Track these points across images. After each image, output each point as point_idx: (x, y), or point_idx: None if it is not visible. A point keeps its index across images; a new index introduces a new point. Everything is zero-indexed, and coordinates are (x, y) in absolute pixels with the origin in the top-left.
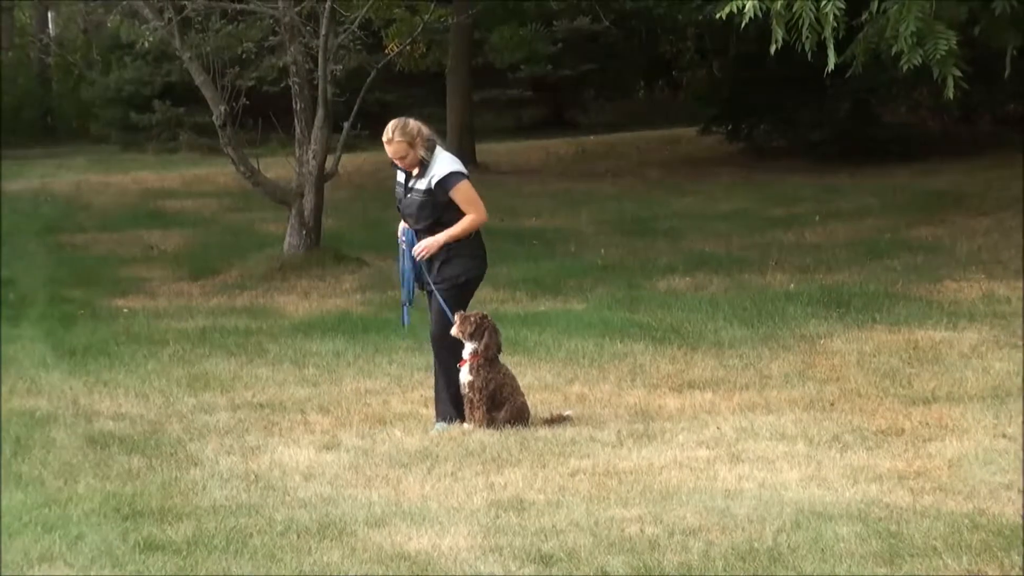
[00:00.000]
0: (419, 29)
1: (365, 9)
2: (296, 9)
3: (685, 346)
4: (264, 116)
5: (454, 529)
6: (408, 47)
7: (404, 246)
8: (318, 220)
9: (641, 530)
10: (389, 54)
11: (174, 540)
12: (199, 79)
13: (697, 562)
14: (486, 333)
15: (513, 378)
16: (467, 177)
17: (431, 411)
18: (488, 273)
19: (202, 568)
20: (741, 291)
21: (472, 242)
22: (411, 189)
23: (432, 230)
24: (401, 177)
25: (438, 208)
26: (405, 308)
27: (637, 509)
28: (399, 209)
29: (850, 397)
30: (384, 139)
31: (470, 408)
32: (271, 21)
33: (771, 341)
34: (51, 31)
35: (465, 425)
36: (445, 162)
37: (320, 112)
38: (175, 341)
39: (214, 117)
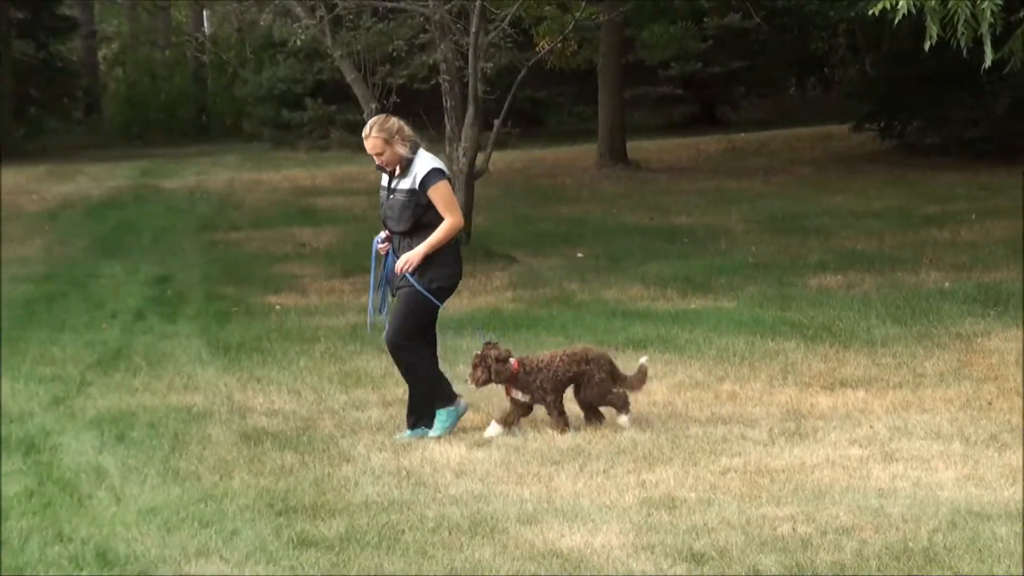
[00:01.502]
0: (570, 27)
1: (516, 7)
2: (447, 7)
3: (837, 344)
4: (414, 114)
5: (606, 527)
6: (559, 44)
7: (380, 251)
8: (468, 217)
9: (793, 529)
10: (539, 51)
11: (327, 536)
12: (350, 77)
13: (851, 561)
14: (487, 367)
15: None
16: (447, 178)
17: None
18: (638, 270)
19: (354, 564)
20: (894, 289)
21: (449, 249)
22: (394, 191)
23: (413, 233)
24: (385, 180)
25: (419, 209)
26: (371, 314)
27: (789, 508)
28: (382, 215)
29: (1008, 396)
30: (363, 135)
31: (555, 415)
32: (422, 19)
33: (925, 339)
34: (206, 30)
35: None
36: (427, 161)
37: (470, 109)
38: (327, 338)
39: (365, 115)
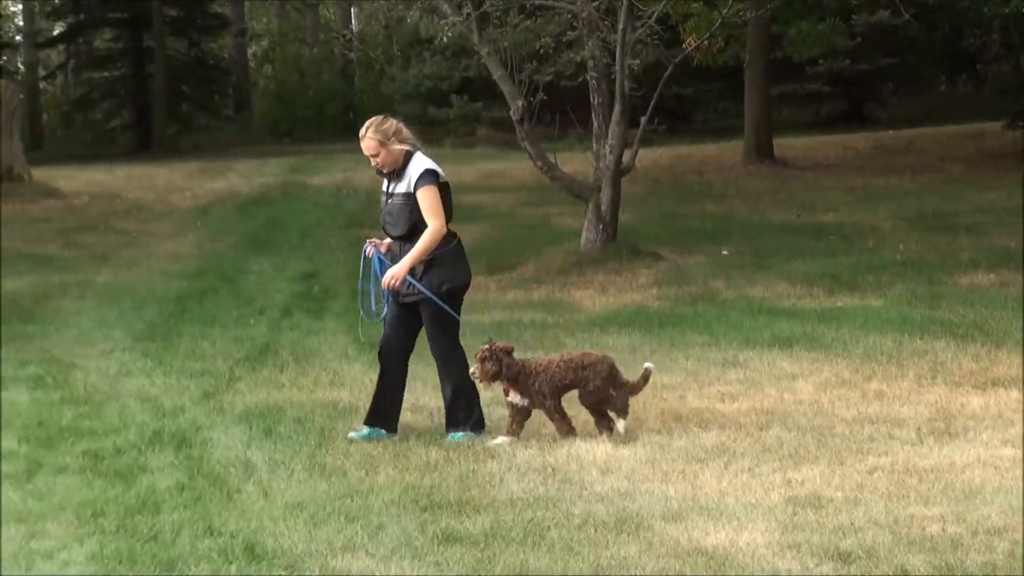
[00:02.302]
0: (717, 24)
1: (663, 4)
2: (594, 4)
3: (989, 343)
4: (561, 111)
5: (751, 525)
6: (705, 41)
7: (373, 256)
8: (615, 215)
9: (943, 529)
10: (686, 49)
11: (472, 532)
12: (497, 74)
13: (1002, 562)
14: (497, 361)
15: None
16: (436, 183)
17: (727, 407)
18: (784, 268)
19: (499, 560)
20: None
21: (451, 250)
22: (392, 195)
23: (411, 237)
24: (385, 185)
25: (416, 213)
26: (370, 310)
27: (938, 507)
28: (381, 221)
29: None
30: (359, 135)
31: (554, 422)
32: (569, 16)
33: None
34: (354, 27)
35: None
36: (421, 164)
37: (617, 107)
38: (472, 334)
39: (511, 112)
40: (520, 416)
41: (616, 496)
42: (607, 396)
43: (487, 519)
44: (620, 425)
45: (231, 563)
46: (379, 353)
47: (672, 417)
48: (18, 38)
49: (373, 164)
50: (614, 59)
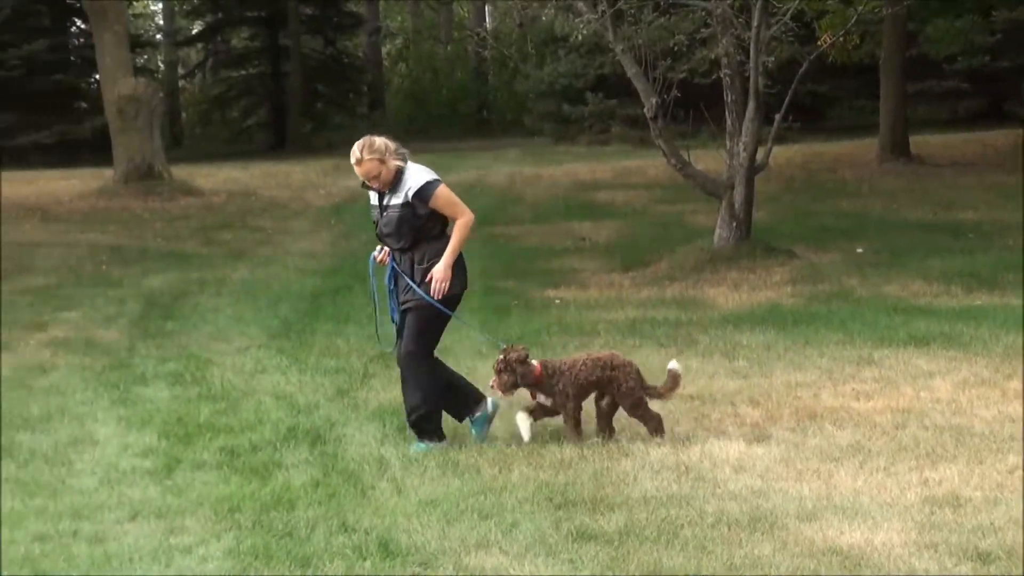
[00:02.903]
0: (852, 20)
1: (798, 1)
2: (728, 1)
3: None
4: (695, 108)
5: (887, 524)
6: (840, 38)
7: (379, 262)
8: (748, 212)
9: None
10: (821, 46)
11: (606, 530)
12: (631, 71)
13: None
14: (513, 371)
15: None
16: (442, 182)
17: (862, 405)
18: (920, 266)
19: (633, 558)
20: None
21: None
22: (387, 207)
23: (415, 247)
24: (375, 199)
25: (418, 220)
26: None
27: None
28: (378, 232)
29: None
30: (352, 160)
31: (569, 423)
32: (703, 13)
33: None
34: (488, 25)
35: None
36: (418, 173)
37: (751, 104)
38: (605, 332)
39: (645, 109)
40: (545, 412)
41: (750, 495)
42: (641, 401)
43: (621, 517)
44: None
45: (365, 559)
46: (402, 364)
47: (806, 415)
48: (158, 37)
49: (373, 185)
50: (748, 56)
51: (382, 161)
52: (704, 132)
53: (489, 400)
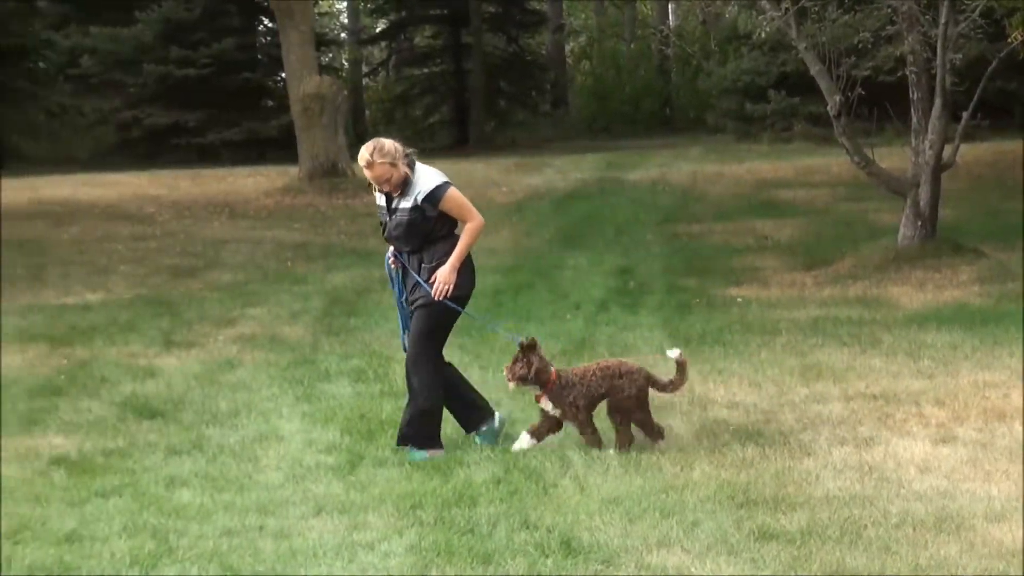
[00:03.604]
0: None
1: None
2: None
3: None
4: (879, 106)
5: None
6: None
7: (393, 267)
8: (934, 210)
9: None
10: (1012, 43)
11: (788, 529)
12: (814, 69)
13: None
14: (528, 363)
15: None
16: (452, 185)
17: None
18: None
19: (815, 558)
20: None
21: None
22: (395, 210)
23: (423, 250)
24: (382, 200)
25: (428, 223)
26: (402, 332)
27: None
28: (385, 235)
29: None
30: (362, 164)
31: (586, 434)
32: (889, 10)
33: None
34: (671, 23)
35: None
36: (428, 176)
37: (938, 102)
38: (787, 331)
39: (829, 107)
40: (550, 424)
41: (935, 495)
42: (638, 409)
43: (803, 516)
44: (660, 444)
45: (547, 557)
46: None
47: (995, 416)
48: (343, 35)
49: (383, 189)
50: (935, 54)
51: (393, 165)
52: (888, 130)
53: (497, 415)
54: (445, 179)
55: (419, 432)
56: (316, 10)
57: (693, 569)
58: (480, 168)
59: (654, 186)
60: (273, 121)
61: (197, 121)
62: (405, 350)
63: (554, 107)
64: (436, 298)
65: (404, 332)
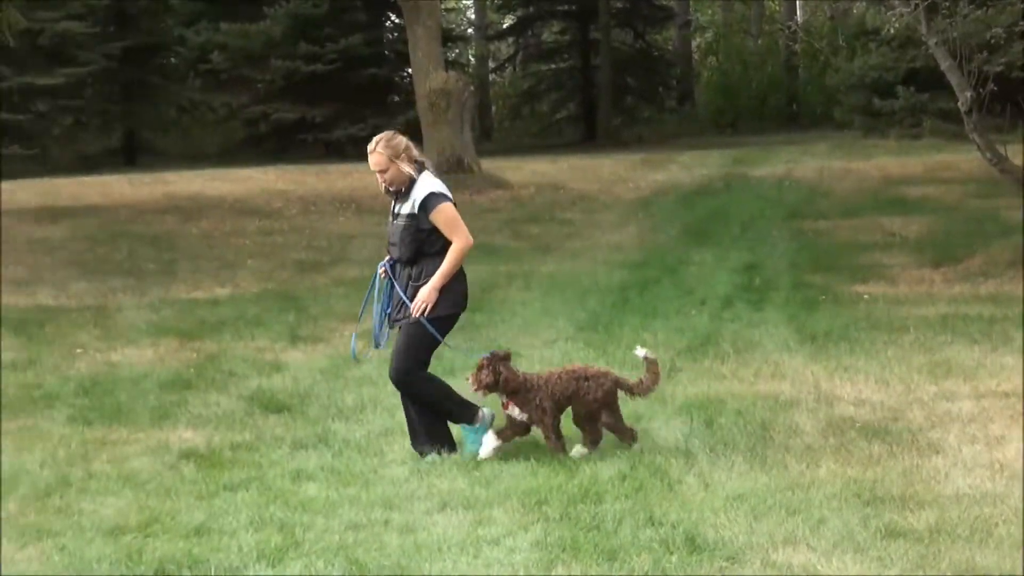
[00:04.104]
0: None
1: None
2: None
3: None
4: (1012, 102)
5: None
6: None
7: (384, 277)
8: None
9: None
10: None
11: (915, 527)
12: (945, 65)
13: None
14: (494, 371)
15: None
16: (450, 200)
17: None
18: None
19: (944, 557)
20: None
21: (454, 275)
22: (396, 215)
23: (415, 262)
24: (392, 206)
25: (421, 234)
26: (377, 335)
27: None
28: (388, 241)
29: None
30: (368, 149)
31: (550, 439)
32: (1022, 5)
33: None
34: (799, 18)
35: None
36: (428, 184)
37: None
38: (916, 328)
39: (960, 103)
40: (517, 428)
41: None
42: (599, 413)
43: (931, 514)
44: (578, 449)
45: (672, 554)
46: (396, 382)
47: None
48: (469, 31)
49: (380, 182)
50: None
51: (391, 160)
52: (1021, 126)
53: (484, 412)
54: (444, 191)
55: (454, 417)
56: (443, 6)
57: (819, 567)
58: (607, 164)
59: (780, 182)
60: (399, 117)
61: (324, 117)
62: (377, 346)
63: (680, 103)
64: (414, 315)
65: (379, 335)
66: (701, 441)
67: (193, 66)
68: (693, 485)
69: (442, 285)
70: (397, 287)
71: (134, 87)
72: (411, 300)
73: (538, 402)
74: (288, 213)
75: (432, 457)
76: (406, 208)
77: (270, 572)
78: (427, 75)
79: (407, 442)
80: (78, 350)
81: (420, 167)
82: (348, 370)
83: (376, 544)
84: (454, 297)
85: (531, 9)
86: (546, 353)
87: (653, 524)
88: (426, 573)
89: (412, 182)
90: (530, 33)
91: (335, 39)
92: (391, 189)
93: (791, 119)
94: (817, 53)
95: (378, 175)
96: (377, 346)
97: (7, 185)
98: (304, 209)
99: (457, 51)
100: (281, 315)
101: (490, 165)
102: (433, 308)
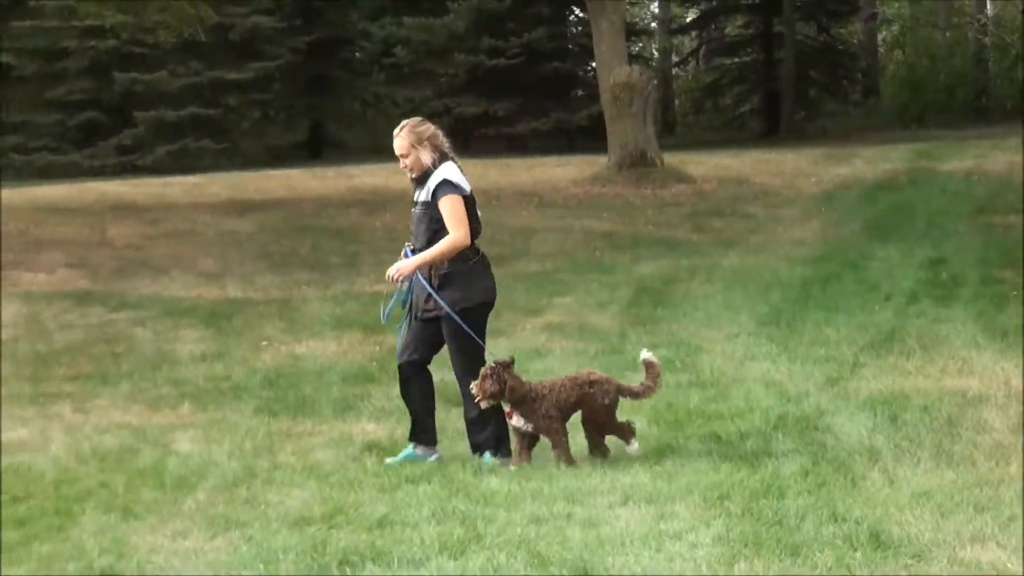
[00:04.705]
0: None
1: None
2: None
3: None
4: None
5: None
6: None
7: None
8: None
9: None
10: None
11: None
12: None
13: None
14: (499, 380)
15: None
16: (459, 192)
17: None
18: None
19: None
20: None
21: (474, 266)
22: (416, 203)
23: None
24: (415, 193)
25: (434, 223)
26: (384, 311)
27: None
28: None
29: None
30: (394, 132)
31: (558, 449)
32: None
33: None
34: (989, 11)
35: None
36: (443, 173)
37: None
38: None
39: None
40: (527, 441)
41: None
42: (611, 420)
43: None
44: (634, 448)
45: (855, 550)
46: (399, 367)
47: None
48: (653, 25)
49: (402, 166)
50: None
51: (415, 145)
52: None
53: (435, 455)
54: (457, 182)
55: (495, 436)
56: (627, 0)
57: (1009, 566)
58: (790, 158)
59: (968, 176)
60: (582, 111)
61: (506, 111)
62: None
63: (865, 96)
64: (387, 278)
65: (387, 309)
66: (885, 437)
67: (377, 60)
68: (877, 481)
69: (420, 265)
70: (420, 277)
71: (319, 81)
72: (436, 289)
73: (544, 411)
74: None
75: (488, 458)
76: (423, 196)
77: (452, 564)
78: (610, 69)
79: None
80: (264, 342)
81: (443, 156)
82: (530, 364)
83: (558, 538)
84: (473, 289)
85: (714, 3)
86: (728, 347)
87: (836, 520)
88: (608, 567)
89: (431, 170)
90: (713, 27)
91: (518, 33)
92: (412, 176)
93: (980, 113)
94: (1008, 47)
95: (401, 160)
96: (382, 320)
97: (198, 179)
98: (486, 203)
99: (640, 45)
100: None
101: (672, 159)
102: (459, 301)
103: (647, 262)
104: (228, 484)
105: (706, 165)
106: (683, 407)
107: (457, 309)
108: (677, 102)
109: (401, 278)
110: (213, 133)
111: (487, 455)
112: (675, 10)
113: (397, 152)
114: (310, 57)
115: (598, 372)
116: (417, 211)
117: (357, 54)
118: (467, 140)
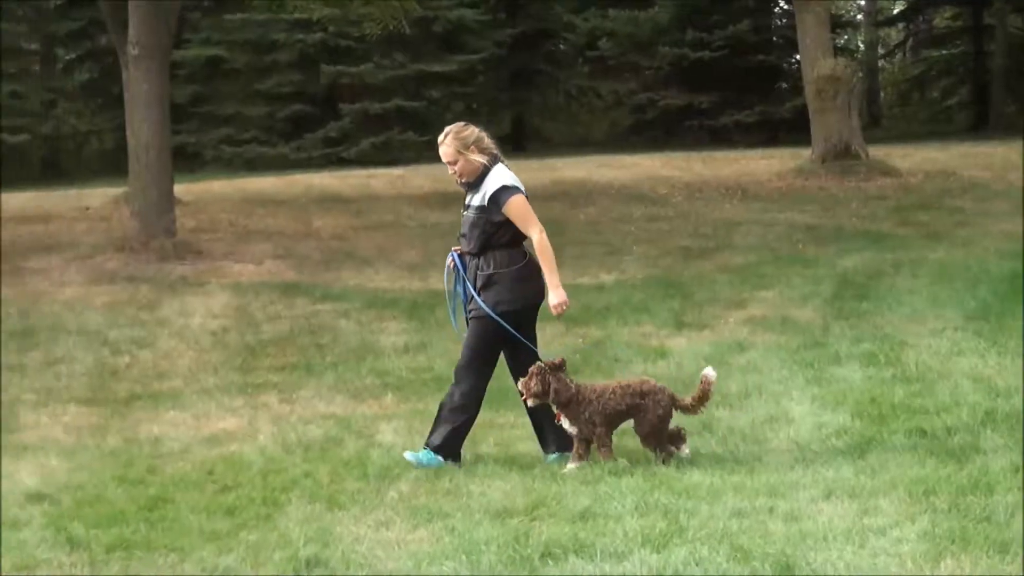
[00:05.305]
0: None
1: None
2: None
3: None
4: None
5: None
6: None
7: (452, 266)
8: None
9: None
10: None
11: None
12: None
13: None
14: (543, 381)
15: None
16: (522, 192)
17: None
18: None
19: None
20: None
21: (522, 267)
22: (468, 207)
23: (483, 253)
24: (466, 197)
25: (490, 227)
26: (454, 323)
27: None
28: (460, 233)
29: None
30: (438, 141)
31: (602, 448)
32: None
33: None
34: None
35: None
36: (499, 177)
37: None
38: None
39: None
40: (581, 442)
41: None
42: (662, 431)
43: None
44: (685, 452)
45: None
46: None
47: None
48: (859, 17)
49: (451, 173)
50: None
51: (459, 152)
52: None
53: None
54: (515, 184)
55: (445, 438)
56: None
57: None
58: (999, 151)
59: None
60: (787, 103)
61: (710, 103)
62: (456, 329)
63: None
64: (553, 313)
65: (453, 316)
66: None
67: (581, 53)
68: None
69: (555, 278)
70: (467, 281)
71: (523, 74)
72: (479, 291)
73: (588, 416)
74: (674, 199)
75: (554, 458)
76: (476, 200)
77: (655, 558)
78: (815, 62)
79: (791, 430)
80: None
81: (494, 159)
82: (732, 357)
83: (760, 531)
84: (519, 291)
85: None
86: (934, 342)
87: None
88: (811, 562)
89: (484, 174)
90: (921, 19)
91: (723, 25)
92: (462, 181)
93: None
94: None
95: (449, 167)
96: (454, 329)
97: (402, 171)
98: (690, 196)
99: (846, 37)
100: (666, 301)
101: (878, 152)
102: (500, 303)
103: (851, 255)
104: (430, 475)
105: (912, 158)
106: (887, 401)
107: (498, 311)
108: (883, 95)
109: (566, 306)
110: (416, 126)
111: (421, 454)
112: (882, 2)
113: (444, 160)
114: (514, 50)
115: (652, 381)
116: (470, 215)
117: (561, 47)
118: (671, 132)
